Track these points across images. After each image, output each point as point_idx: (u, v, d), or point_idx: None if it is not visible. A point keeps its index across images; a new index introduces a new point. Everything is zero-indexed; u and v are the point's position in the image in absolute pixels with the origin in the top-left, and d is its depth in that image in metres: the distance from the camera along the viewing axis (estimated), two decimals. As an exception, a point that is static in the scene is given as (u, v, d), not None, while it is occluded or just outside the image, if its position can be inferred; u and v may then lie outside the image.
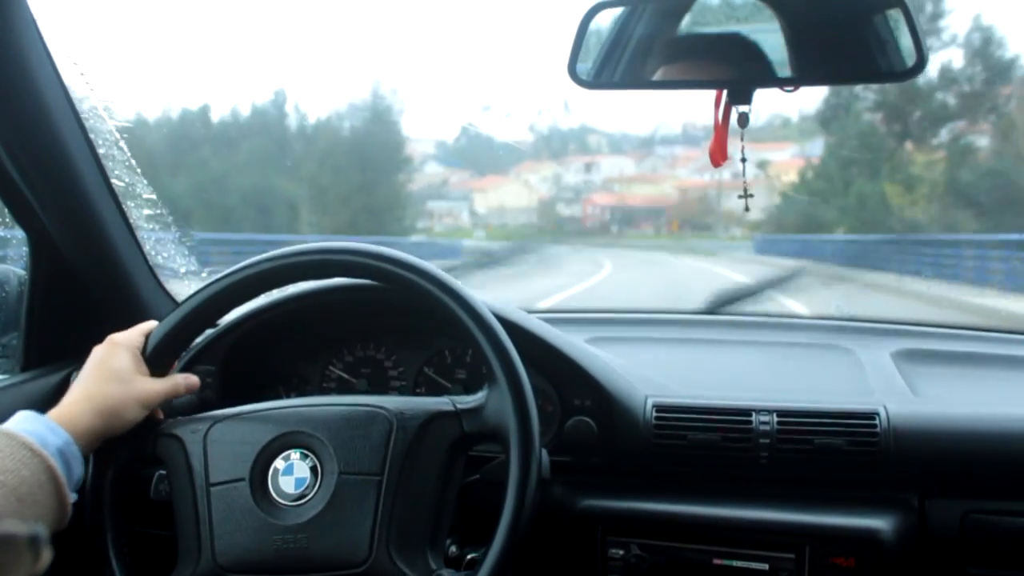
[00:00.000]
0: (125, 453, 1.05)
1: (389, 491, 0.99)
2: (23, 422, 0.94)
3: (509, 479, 0.98)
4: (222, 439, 1.04)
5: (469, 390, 1.40)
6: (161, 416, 1.09)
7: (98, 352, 1.06)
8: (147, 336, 1.10)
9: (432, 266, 1.07)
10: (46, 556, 0.86)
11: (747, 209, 1.38)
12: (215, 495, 1.01)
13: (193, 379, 1.12)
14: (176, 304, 1.12)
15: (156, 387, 1.06)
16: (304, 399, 1.08)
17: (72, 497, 0.95)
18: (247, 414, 1.06)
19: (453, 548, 1.13)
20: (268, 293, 1.21)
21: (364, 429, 1.01)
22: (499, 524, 0.97)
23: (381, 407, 1.03)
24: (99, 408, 1.00)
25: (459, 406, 1.03)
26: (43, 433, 0.93)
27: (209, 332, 1.35)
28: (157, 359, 1.08)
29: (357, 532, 0.98)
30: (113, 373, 1.03)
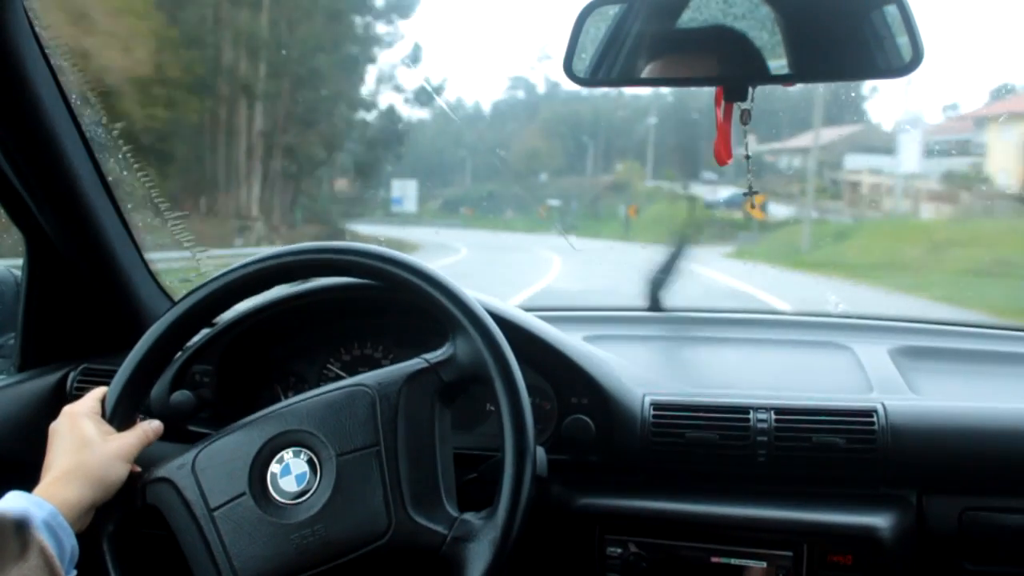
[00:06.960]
0: (116, 516, 1.03)
1: (390, 457, 1.00)
2: (6, 501, 0.93)
3: (501, 407, 0.99)
4: (211, 464, 1.03)
5: None
6: (139, 469, 1.07)
7: (60, 427, 1.05)
8: (102, 400, 1.09)
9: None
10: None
11: (752, 206, 1.38)
12: (220, 518, 1.00)
13: (157, 423, 1.11)
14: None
15: (129, 439, 1.05)
16: (280, 403, 1.08)
17: (72, 573, 0.94)
18: (227, 432, 1.06)
19: None
20: (265, 294, 1.20)
21: (349, 408, 1.02)
22: (504, 448, 0.98)
23: (359, 384, 1.04)
24: (82, 478, 0.99)
25: (432, 361, 1.05)
26: (26, 508, 0.92)
27: (207, 331, 1.35)
28: (120, 417, 1.07)
29: (371, 505, 0.98)
30: (82, 441, 1.02)
